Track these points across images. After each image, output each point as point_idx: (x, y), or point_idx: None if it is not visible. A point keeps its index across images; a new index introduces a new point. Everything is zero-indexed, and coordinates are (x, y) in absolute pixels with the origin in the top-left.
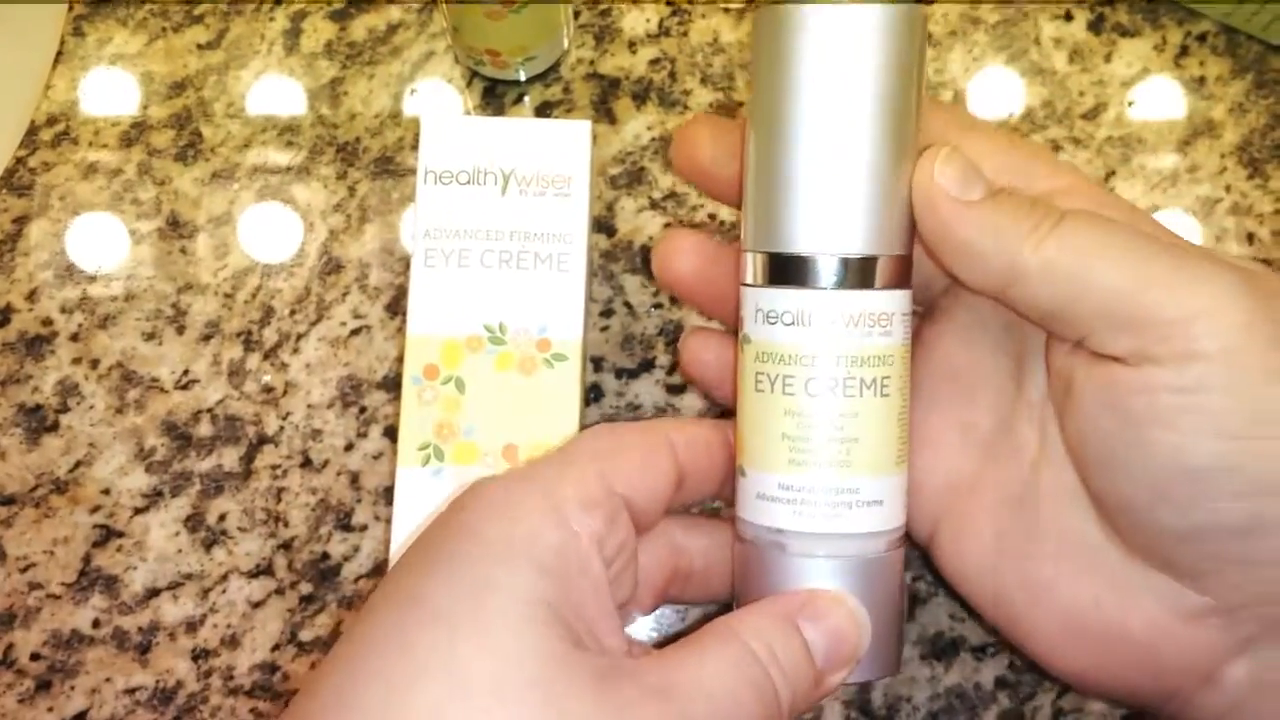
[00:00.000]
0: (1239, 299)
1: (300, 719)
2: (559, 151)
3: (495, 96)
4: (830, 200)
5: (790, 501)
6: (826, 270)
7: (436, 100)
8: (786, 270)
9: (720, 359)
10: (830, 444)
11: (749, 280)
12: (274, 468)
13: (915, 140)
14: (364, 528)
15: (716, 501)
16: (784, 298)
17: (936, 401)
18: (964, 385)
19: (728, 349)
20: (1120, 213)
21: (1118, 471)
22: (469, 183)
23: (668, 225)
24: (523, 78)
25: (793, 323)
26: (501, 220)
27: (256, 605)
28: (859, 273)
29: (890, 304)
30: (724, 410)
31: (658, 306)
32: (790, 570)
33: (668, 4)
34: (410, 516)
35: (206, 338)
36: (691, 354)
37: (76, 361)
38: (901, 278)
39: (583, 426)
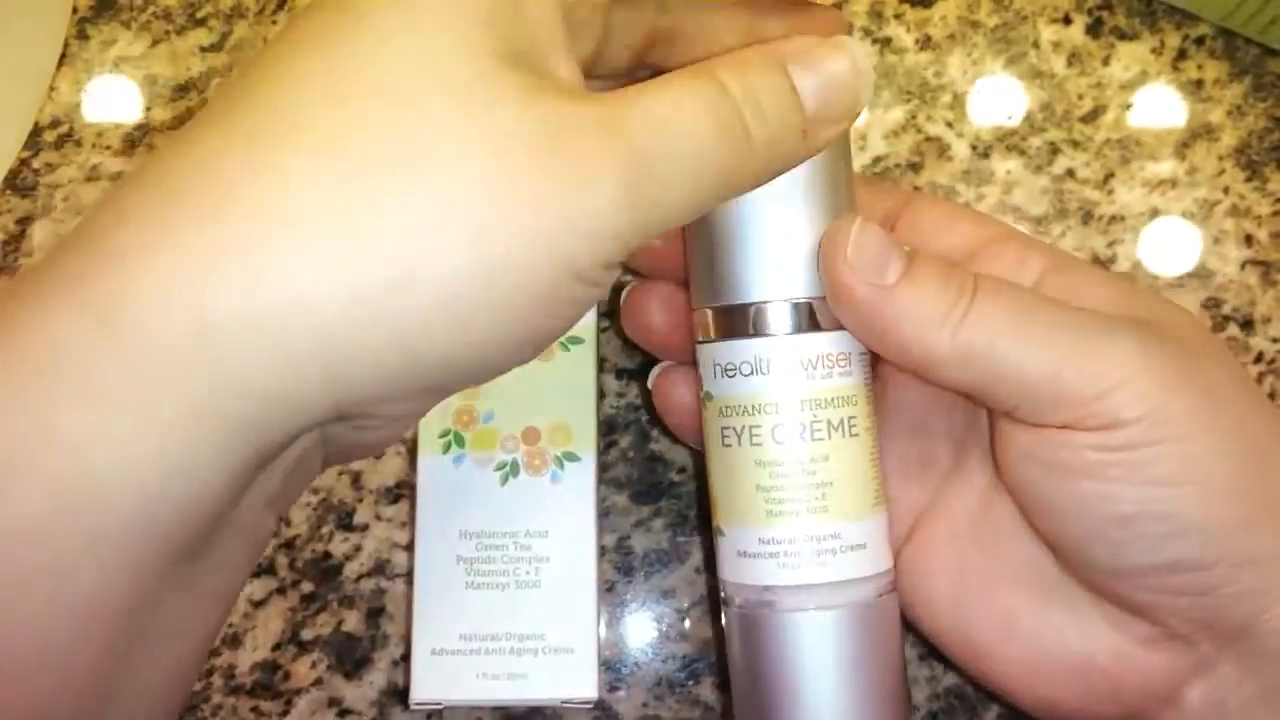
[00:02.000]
0: (1150, 362)
1: (216, 127)
2: None
3: None
4: (774, 247)
5: (773, 555)
6: (778, 317)
7: None
8: (738, 321)
9: (693, 397)
10: (806, 490)
11: (702, 337)
12: None
13: (851, 180)
14: (365, 527)
15: None
16: (740, 349)
17: (891, 434)
18: (917, 417)
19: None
20: (1042, 257)
21: (1049, 515)
22: None
23: (628, 283)
24: None
25: (751, 372)
26: None
27: (258, 604)
28: (810, 315)
29: (846, 344)
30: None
31: None
32: (782, 628)
33: None
34: (433, 505)
35: None
36: (662, 396)
37: None
38: None
39: (599, 408)
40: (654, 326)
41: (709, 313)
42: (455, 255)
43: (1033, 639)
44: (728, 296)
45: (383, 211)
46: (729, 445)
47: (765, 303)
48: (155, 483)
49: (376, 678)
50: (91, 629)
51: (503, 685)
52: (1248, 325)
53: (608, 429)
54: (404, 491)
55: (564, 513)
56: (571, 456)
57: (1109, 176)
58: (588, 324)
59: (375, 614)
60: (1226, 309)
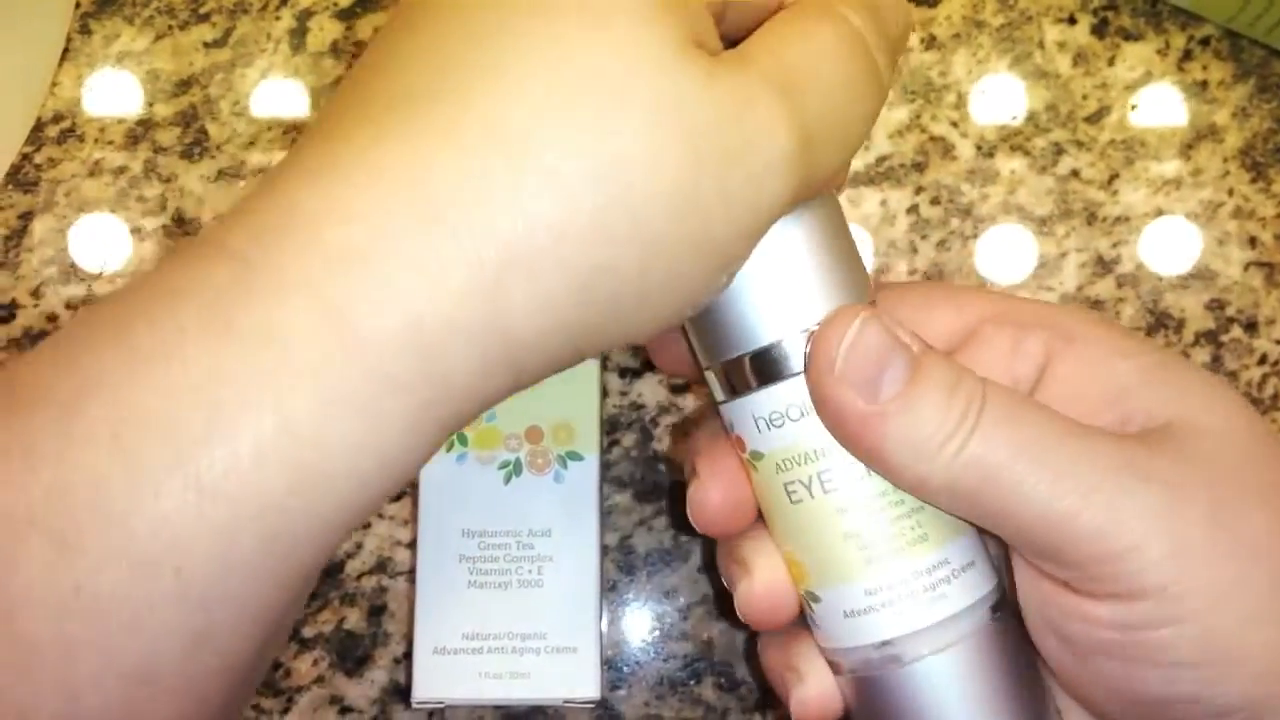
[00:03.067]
0: (1173, 523)
1: (360, 116)
2: None
3: None
4: (798, 276)
5: (885, 605)
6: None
7: None
8: (773, 364)
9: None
10: (899, 522)
11: (728, 396)
12: None
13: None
14: (367, 525)
15: None
16: (783, 393)
17: None
18: None
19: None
20: (1040, 337)
21: (1069, 679)
22: None
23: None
24: None
25: (801, 415)
26: None
27: None
28: None
29: None
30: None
31: None
32: (916, 682)
33: None
34: (436, 503)
35: None
36: (705, 510)
37: None
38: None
39: (602, 407)
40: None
41: (743, 362)
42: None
43: None
44: (755, 339)
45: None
46: (799, 502)
47: (802, 334)
48: (375, 475)
49: (377, 676)
50: (289, 614)
51: (505, 684)
52: (1251, 327)
53: (610, 428)
54: (406, 489)
55: (567, 512)
56: (575, 456)
57: (1113, 177)
58: None
59: (377, 612)
60: (1230, 310)
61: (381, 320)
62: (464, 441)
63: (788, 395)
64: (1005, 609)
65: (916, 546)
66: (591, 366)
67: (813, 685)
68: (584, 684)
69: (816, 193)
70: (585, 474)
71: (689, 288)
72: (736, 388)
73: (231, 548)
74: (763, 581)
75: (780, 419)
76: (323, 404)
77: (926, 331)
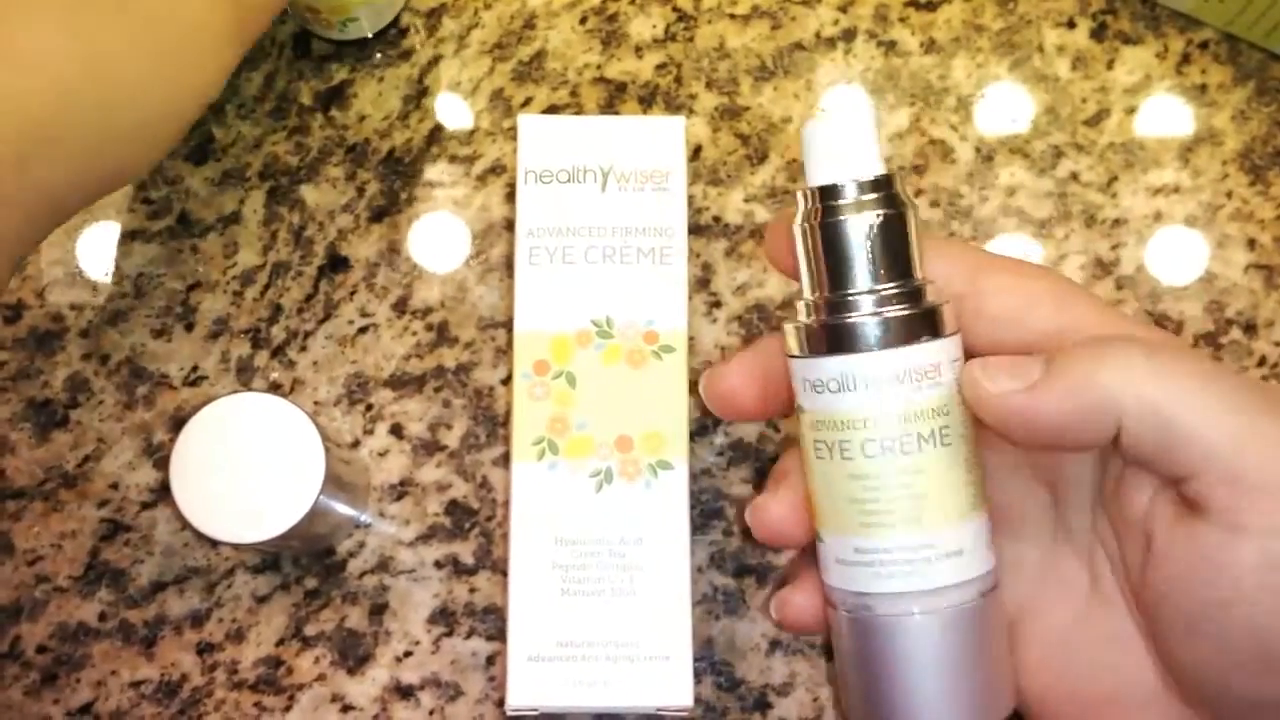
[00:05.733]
0: None
1: None
2: (655, 147)
3: (503, 99)
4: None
5: (869, 564)
6: (865, 332)
7: (446, 104)
8: (824, 338)
9: (816, 605)
10: (899, 503)
11: (793, 352)
12: None
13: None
14: (368, 524)
15: None
16: (827, 365)
17: None
18: (1005, 520)
19: (817, 592)
20: (1145, 335)
21: (1198, 639)
22: (569, 181)
23: (707, 364)
24: (351, 37)
25: (839, 389)
26: (603, 216)
27: (261, 600)
28: (898, 329)
29: (935, 354)
30: None
31: None
32: (881, 631)
33: (674, 10)
34: (528, 511)
35: (215, 335)
36: (790, 612)
37: (86, 357)
38: (943, 326)
39: (690, 415)
40: (738, 395)
41: (798, 328)
42: None
43: None
44: (812, 311)
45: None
46: (822, 458)
47: (852, 319)
48: None
49: (379, 674)
50: None
51: (599, 692)
52: (1250, 329)
53: None
54: (407, 489)
55: (658, 520)
56: (665, 465)
57: (1112, 180)
58: (679, 333)
59: (378, 610)
60: (1230, 313)
61: None
62: (555, 450)
63: (831, 369)
64: (989, 600)
65: (910, 526)
66: (680, 376)
67: (800, 591)
68: (677, 692)
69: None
70: (675, 482)
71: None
72: (795, 349)
73: None
74: (782, 500)
75: (821, 387)
76: None
77: (1029, 326)
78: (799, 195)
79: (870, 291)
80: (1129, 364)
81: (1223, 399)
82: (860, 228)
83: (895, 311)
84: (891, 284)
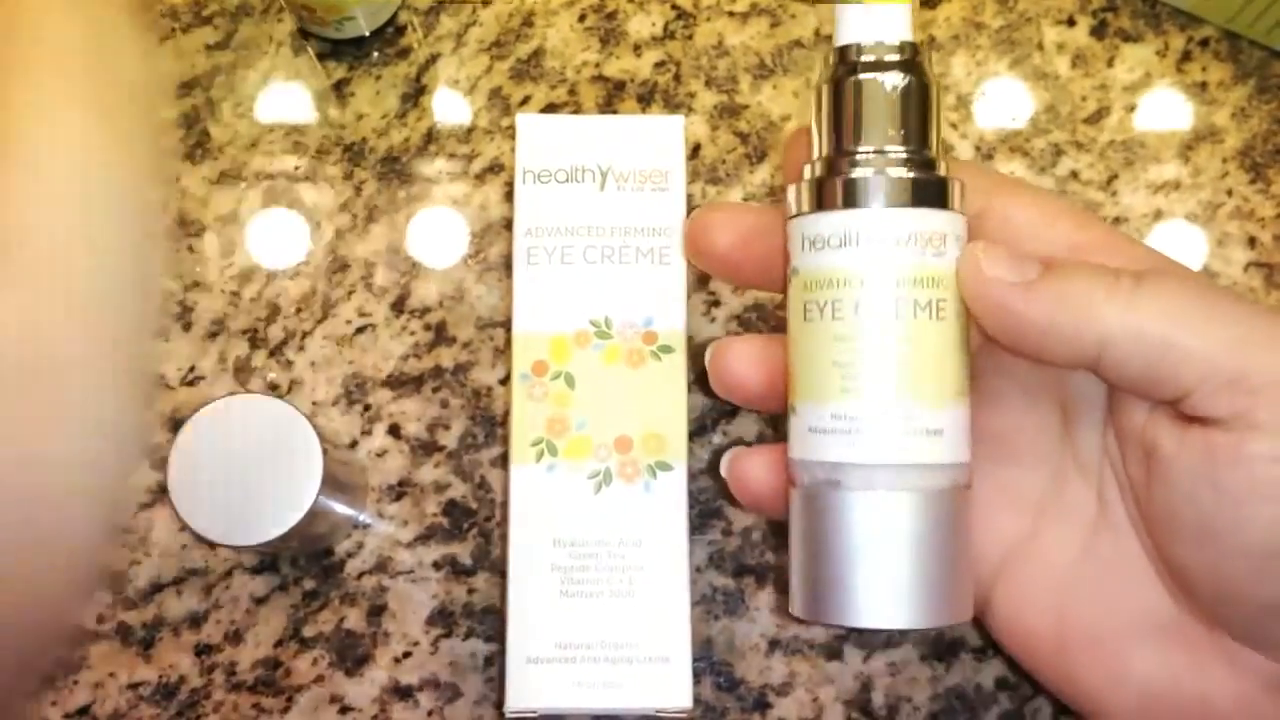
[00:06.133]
0: None
1: None
2: (653, 146)
3: (501, 98)
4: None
5: (845, 432)
6: (871, 189)
7: (442, 103)
8: (830, 193)
9: (770, 473)
10: (883, 368)
11: (795, 211)
12: None
13: None
14: (367, 525)
15: None
16: (830, 221)
17: (979, 466)
18: (1007, 449)
19: (776, 463)
20: (1159, 263)
21: (1210, 545)
22: (567, 180)
23: (693, 209)
24: (348, 35)
25: (840, 245)
26: (601, 216)
27: (260, 601)
28: (905, 190)
29: (943, 224)
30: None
31: None
32: (849, 507)
33: (673, 8)
34: (526, 513)
35: (213, 335)
36: (739, 478)
37: None
38: (954, 200)
39: (690, 415)
40: (722, 245)
41: (803, 184)
42: None
43: (1146, 685)
44: (820, 169)
45: None
46: (810, 320)
47: (859, 175)
48: None
49: (377, 675)
50: None
51: (598, 694)
52: None
53: None
54: (405, 490)
55: (657, 522)
56: (664, 466)
57: (1113, 178)
58: (678, 333)
59: (377, 611)
60: None
61: None
62: (553, 451)
63: (833, 225)
64: (960, 493)
65: (890, 394)
66: (679, 377)
67: (758, 456)
68: (676, 693)
69: None
70: (674, 484)
71: None
72: (797, 208)
73: None
74: (741, 352)
75: (821, 244)
76: None
77: (1047, 239)
78: (821, 59)
79: (882, 151)
80: (1118, 288)
81: (1212, 314)
82: (879, 86)
83: (906, 173)
84: (906, 147)
